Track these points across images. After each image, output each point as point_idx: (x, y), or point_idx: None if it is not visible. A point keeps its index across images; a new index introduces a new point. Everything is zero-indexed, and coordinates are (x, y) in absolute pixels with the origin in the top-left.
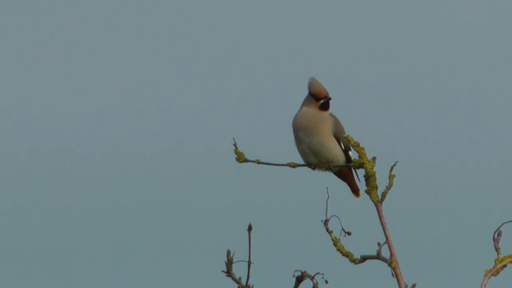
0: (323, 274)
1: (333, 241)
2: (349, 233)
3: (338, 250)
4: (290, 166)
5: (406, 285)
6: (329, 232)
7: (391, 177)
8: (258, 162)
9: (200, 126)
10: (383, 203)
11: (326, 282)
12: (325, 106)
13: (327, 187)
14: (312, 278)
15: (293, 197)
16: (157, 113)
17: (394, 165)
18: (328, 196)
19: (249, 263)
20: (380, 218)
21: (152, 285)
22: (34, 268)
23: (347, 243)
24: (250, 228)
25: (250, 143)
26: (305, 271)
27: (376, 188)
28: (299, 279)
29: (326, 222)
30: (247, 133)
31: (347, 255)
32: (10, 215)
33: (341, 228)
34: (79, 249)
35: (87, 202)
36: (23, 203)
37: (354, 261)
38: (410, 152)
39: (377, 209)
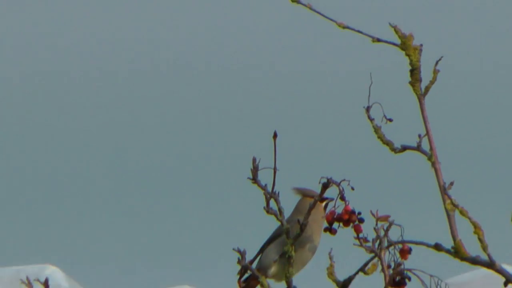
0: (349, 180)
1: (374, 129)
2: (390, 120)
3: (378, 138)
4: None
5: (444, 182)
6: (371, 120)
7: (435, 72)
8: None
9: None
10: (426, 97)
11: (352, 189)
12: None
13: (370, 73)
14: (338, 184)
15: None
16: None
17: (439, 60)
18: (371, 82)
19: (275, 170)
20: (422, 112)
21: (180, 195)
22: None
23: (387, 133)
24: (275, 135)
25: None
26: (331, 178)
27: (420, 81)
28: (325, 186)
29: (368, 109)
30: None
31: (387, 143)
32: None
33: (383, 115)
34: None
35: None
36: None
37: (394, 150)
38: (456, 49)
39: (420, 102)
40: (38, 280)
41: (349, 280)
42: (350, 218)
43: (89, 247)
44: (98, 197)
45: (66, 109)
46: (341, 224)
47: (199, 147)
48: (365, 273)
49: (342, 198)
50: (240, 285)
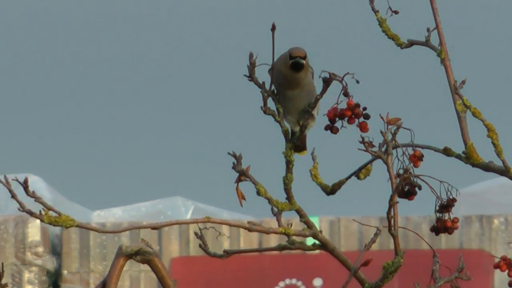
0: (353, 73)
1: (379, 21)
2: (396, 12)
3: (383, 31)
4: None
5: (455, 81)
6: (375, 12)
7: None
8: None
9: None
10: None
11: (357, 82)
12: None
13: None
14: (341, 80)
15: None
16: None
17: None
18: None
19: (273, 66)
20: (431, 3)
21: (170, 96)
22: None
23: (394, 27)
24: (273, 28)
25: None
26: (332, 73)
27: None
28: (326, 81)
29: (372, 0)
30: None
31: (392, 37)
32: None
33: (388, 7)
34: None
35: None
36: None
37: (400, 45)
38: None
39: None
40: (16, 180)
41: (339, 184)
42: (353, 112)
43: (72, 159)
44: (83, 107)
45: None
46: (345, 122)
47: (190, 40)
48: (358, 177)
49: (346, 93)
50: (238, 192)
